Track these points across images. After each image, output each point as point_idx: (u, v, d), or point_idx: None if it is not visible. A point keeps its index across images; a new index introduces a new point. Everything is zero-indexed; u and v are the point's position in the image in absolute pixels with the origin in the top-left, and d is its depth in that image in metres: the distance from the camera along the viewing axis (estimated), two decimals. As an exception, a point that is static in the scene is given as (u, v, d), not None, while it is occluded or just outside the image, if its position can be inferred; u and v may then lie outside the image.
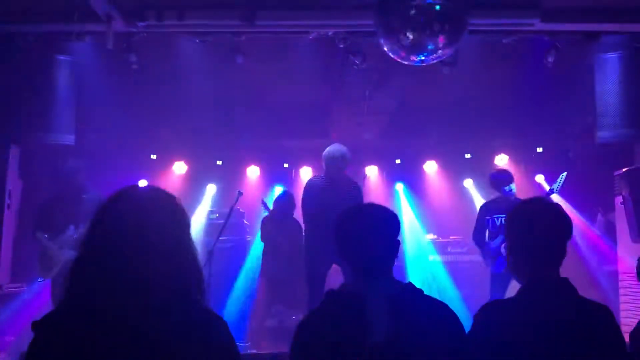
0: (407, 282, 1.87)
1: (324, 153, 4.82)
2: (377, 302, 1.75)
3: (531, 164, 7.37)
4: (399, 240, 1.91)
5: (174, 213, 1.48)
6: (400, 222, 1.95)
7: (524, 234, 1.95)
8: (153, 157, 7.52)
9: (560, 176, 5.15)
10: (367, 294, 1.77)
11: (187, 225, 1.50)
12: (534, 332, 1.79)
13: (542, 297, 1.86)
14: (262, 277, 6.25)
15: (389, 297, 1.77)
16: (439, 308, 1.81)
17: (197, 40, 4.88)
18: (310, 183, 5.01)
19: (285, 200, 6.15)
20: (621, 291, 5.60)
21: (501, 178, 5.35)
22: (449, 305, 1.85)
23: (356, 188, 4.88)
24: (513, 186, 5.25)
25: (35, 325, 1.38)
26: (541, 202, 2.13)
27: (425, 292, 1.85)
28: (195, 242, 1.51)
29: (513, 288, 2.00)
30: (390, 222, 1.91)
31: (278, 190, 7.17)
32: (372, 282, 1.82)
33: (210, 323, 1.43)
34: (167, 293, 1.38)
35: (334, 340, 1.71)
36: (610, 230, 6.34)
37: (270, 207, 6.35)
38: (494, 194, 5.49)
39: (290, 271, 5.97)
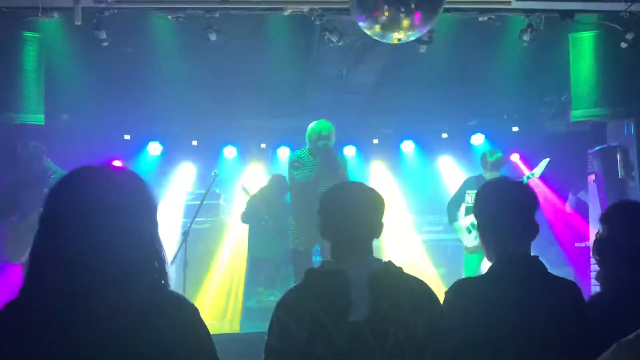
0: (386, 260, 1.88)
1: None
2: (358, 279, 1.76)
3: (507, 143, 7.45)
4: (383, 223, 1.92)
5: (132, 192, 1.42)
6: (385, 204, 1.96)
7: (490, 212, 1.98)
8: (127, 137, 7.38)
9: (543, 161, 5.20)
10: (349, 272, 1.78)
11: (148, 206, 1.43)
12: (503, 309, 1.82)
13: (511, 274, 1.89)
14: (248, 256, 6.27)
15: (369, 275, 1.77)
16: (418, 286, 1.83)
17: (170, 17, 4.76)
18: None
19: (278, 182, 6.16)
20: (592, 267, 5.73)
21: (485, 160, 5.41)
22: (426, 283, 1.87)
23: None
24: (489, 174, 5.30)
25: None
26: (505, 180, 2.16)
27: (403, 270, 1.86)
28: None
29: (486, 264, 2.02)
30: (376, 203, 1.92)
31: (254, 168, 7.15)
32: (354, 259, 1.83)
33: (180, 308, 1.40)
34: (124, 276, 1.32)
35: (314, 318, 1.72)
36: (580, 208, 6.47)
37: (250, 192, 6.36)
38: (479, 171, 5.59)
39: (273, 251, 5.99)
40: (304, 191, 4.72)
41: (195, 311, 1.43)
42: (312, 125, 4.86)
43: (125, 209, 1.38)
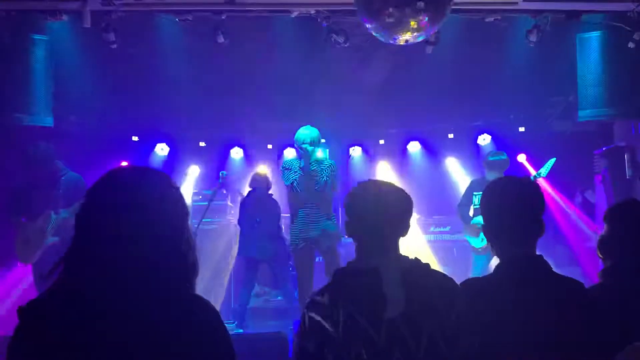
0: (413, 257, 1.88)
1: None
2: (390, 276, 1.76)
3: (513, 144, 7.43)
4: (409, 223, 1.92)
5: (168, 195, 1.45)
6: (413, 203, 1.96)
7: (494, 211, 1.97)
8: (134, 138, 7.41)
9: (549, 161, 5.18)
10: (380, 269, 1.78)
11: (182, 208, 1.46)
12: (508, 308, 1.81)
13: (515, 274, 1.88)
14: (240, 257, 6.26)
15: (402, 271, 1.78)
16: (447, 282, 1.84)
17: (177, 19, 4.79)
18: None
19: (263, 179, 6.16)
20: (600, 267, 5.71)
21: (485, 161, 5.44)
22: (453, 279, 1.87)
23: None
24: (490, 175, 5.31)
25: (22, 311, 1.35)
26: (511, 179, 2.16)
27: (431, 267, 1.87)
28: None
29: (494, 264, 2.02)
30: (407, 201, 1.92)
31: (257, 168, 7.15)
32: (383, 257, 1.83)
33: (202, 310, 1.42)
34: (158, 279, 1.36)
35: (350, 316, 1.71)
36: (587, 208, 6.45)
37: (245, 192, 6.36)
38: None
39: (267, 252, 5.98)
40: (293, 193, 4.88)
41: (215, 313, 1.45)
42: (297, 131, 4.92)
43: (160, 211, 1.40)
